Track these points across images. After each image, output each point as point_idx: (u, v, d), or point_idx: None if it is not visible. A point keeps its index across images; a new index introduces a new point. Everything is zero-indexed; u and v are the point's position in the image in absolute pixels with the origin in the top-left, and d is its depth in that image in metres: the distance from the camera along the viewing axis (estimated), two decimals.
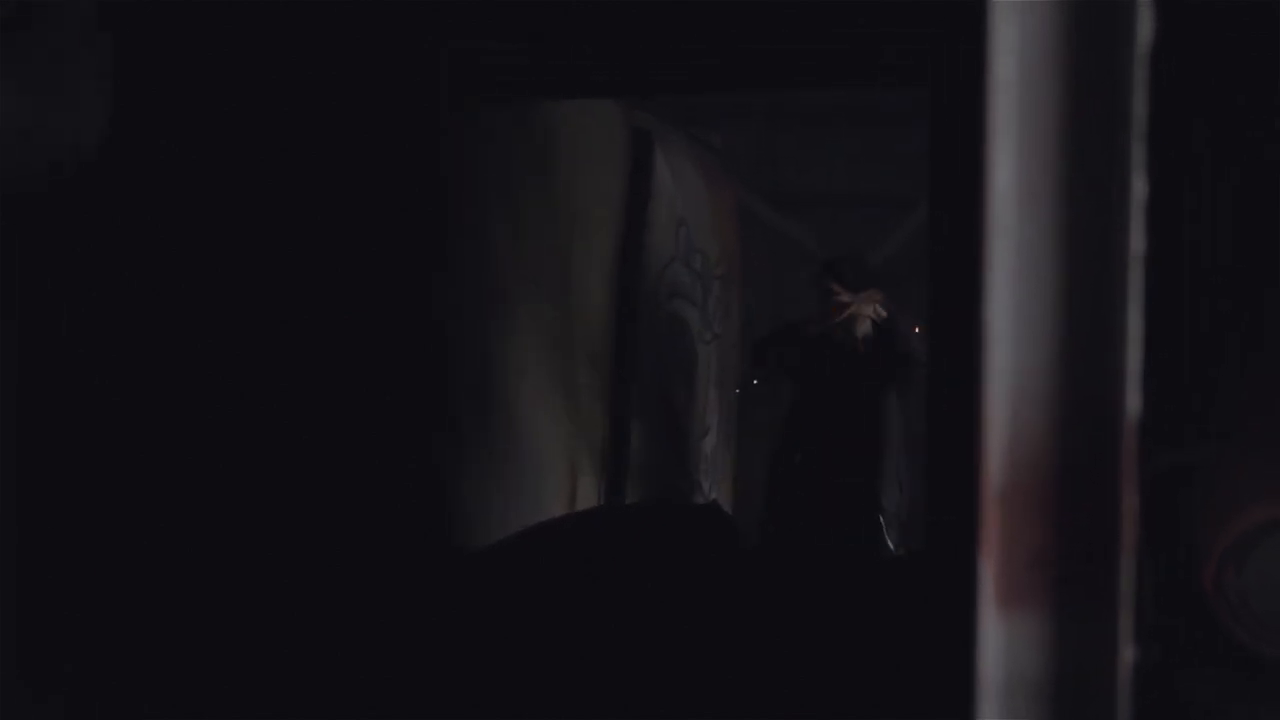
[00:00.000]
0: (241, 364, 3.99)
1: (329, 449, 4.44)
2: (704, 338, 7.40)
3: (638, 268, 6.71)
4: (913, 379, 5.80)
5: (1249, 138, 2.61)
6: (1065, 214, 1.34)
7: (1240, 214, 2.66)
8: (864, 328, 5.91)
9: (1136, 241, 1.32)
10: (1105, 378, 1.35)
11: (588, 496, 6.38)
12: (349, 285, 4.57)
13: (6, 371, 3.15)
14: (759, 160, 9.43)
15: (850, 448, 5.80)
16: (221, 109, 3.87)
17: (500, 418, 5.74)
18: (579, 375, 6.36)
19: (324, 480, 4.42)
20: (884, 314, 5.91)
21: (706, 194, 7.54)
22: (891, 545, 5.74)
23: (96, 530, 3.40)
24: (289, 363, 4.17)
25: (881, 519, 5.73)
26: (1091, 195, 1.33)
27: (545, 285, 6.07)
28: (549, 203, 6.08)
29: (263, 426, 4.05)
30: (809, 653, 4.12)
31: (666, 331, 7.03)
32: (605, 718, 3.82)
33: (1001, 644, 1.34)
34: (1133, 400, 1.34)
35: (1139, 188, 1.32)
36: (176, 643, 3.60)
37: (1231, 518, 2.79)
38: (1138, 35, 1.31)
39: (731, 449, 7.94)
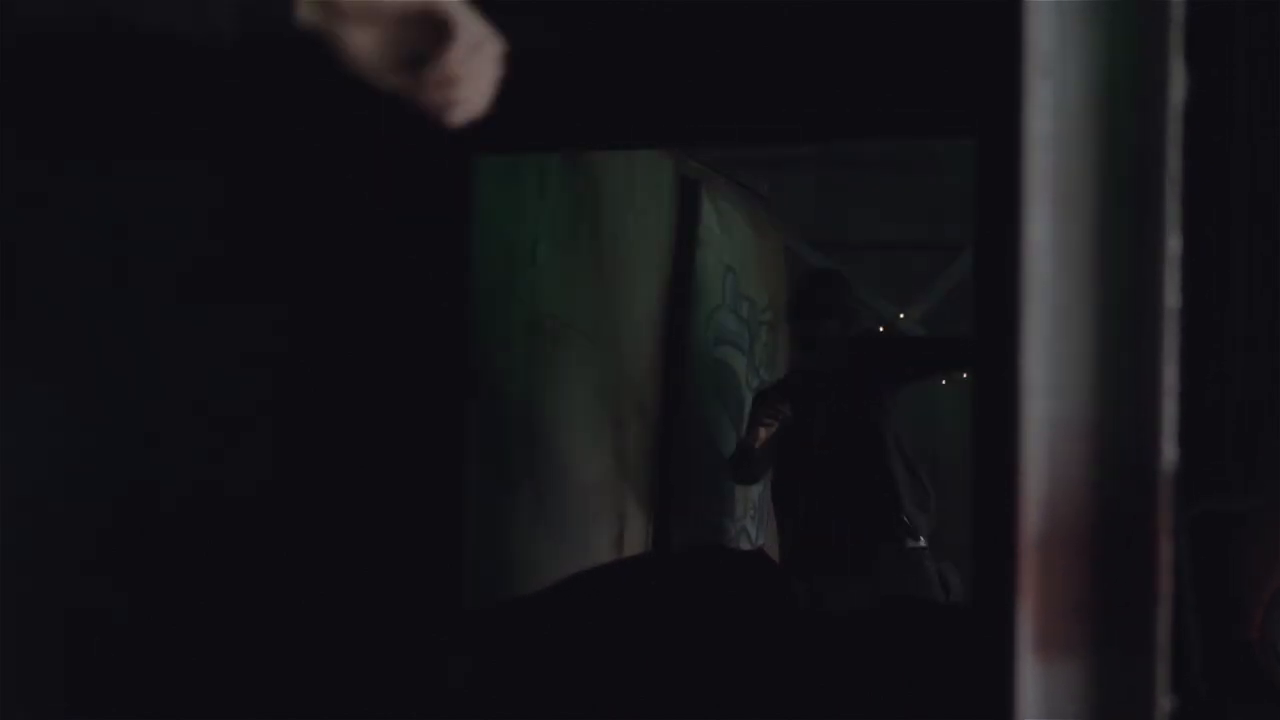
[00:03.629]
0: (285, 409, 4.03)
1: (375, 493, 4.48)
2: (751, 384, 7.41)
3: (685, 315, 6.74)
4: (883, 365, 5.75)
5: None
6: (1101, 267, 1.36)
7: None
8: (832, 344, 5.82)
9: (1171, 295, 1.34)
10: (1142, 429, 1.37)
11: (635, 542, 6.39)
12: (394, 333, 4.61)
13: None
14: (806, 207, 9.44)
15: (850, 463, 5.69)
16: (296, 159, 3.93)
17: (548, 464, 5.77)
18: (627, 422, 6.38)
19: (369, 524, 4.45)
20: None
21: (754, 241, 7.57)
22: (924, 542, 5.57)
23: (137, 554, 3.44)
24: (335, 405, 4.21)
25: (905, 517, 5.56)
26: (1127, 249, 1.35)
27: (593, 332, 6.11)
28: (597, 250, 6.12)
29: (307, 472, 4.08)
30: (854, 697, 4.12)
31: (714, 378, 7.04)
32: None
33: (1039, 692, 1.35)
34: (1169, 451, 1.36)
35: (1173, 242, 1.34)
36: (220, 685, 3.63)
37: (1276, 566, 2.79)
38: (1172, 92, 1.33)
39: None
